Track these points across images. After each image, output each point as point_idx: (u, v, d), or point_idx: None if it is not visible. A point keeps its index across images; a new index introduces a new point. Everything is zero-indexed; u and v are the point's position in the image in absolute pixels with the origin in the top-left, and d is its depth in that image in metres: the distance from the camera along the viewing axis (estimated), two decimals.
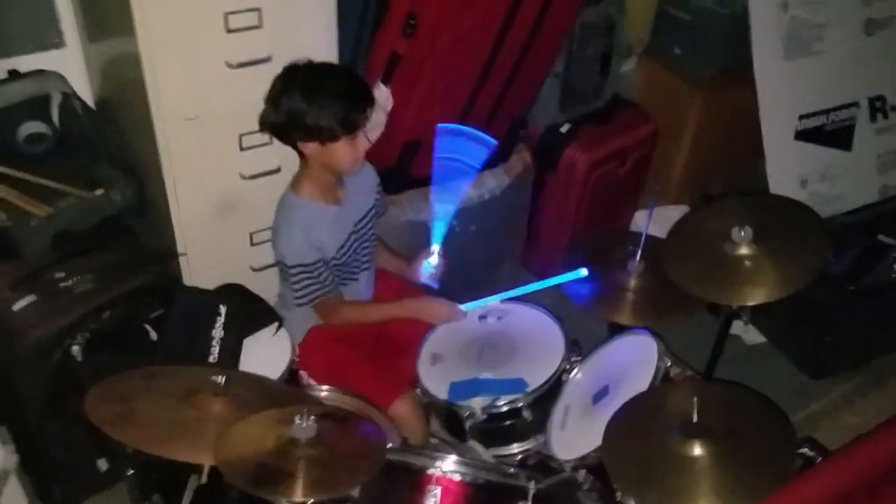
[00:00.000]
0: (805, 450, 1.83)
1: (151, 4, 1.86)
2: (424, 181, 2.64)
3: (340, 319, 2.14)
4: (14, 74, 2.26)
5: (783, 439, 1.69)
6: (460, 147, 2.22)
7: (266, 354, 2.08)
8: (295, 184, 2.06)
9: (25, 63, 2.29)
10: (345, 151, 1.94)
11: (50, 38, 2.32)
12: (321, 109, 1.87)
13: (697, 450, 1.61)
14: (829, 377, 2.88)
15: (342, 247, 2.08)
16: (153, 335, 2.07)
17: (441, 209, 2.22)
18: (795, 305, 2.67)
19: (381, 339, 2.24)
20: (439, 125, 2.18)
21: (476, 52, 2.37)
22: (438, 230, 2.20)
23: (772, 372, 2.88)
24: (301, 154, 2.00)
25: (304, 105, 1.87)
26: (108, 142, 2.25)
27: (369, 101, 1.96)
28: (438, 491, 1.64)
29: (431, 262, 2.20)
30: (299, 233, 2.00)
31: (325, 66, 2.00)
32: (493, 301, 2.16)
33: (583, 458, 1.89)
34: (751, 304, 1.93)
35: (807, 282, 1.88)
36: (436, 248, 2.20)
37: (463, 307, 2.15)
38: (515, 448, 2.00)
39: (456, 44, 2.27)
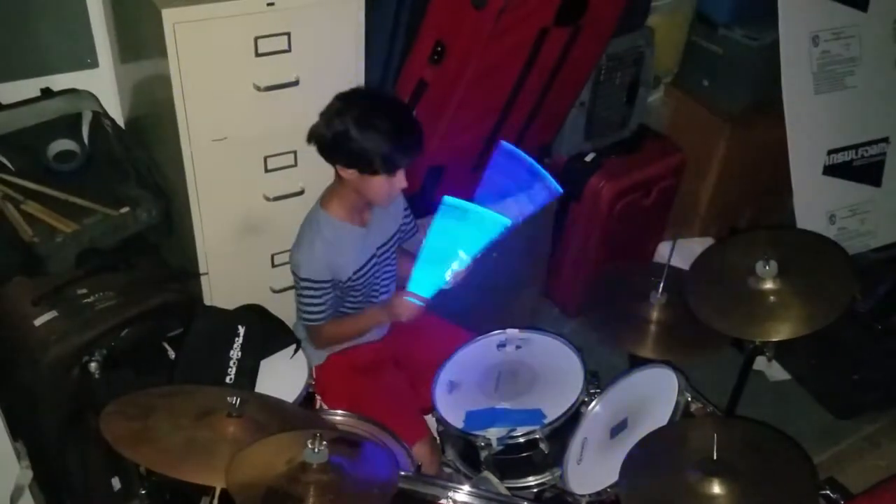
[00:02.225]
0: (827, 491, 1.79)
1: (183, 28, 1.89)
2: None
3: (326, 339, 2.14)
4: (47, 92, 2.30)
5: (804, 480, 1.65)
6: (515, 173, 2.13)
7: (283, 377, 2.07)
8: (325, 200, 2.06)
9: (59, 82, 2.33)
10: (380, 186, 1.95)
11: (84, 58, 2.36)
12: (368, 143, 1.87)
13: (716, 488, 1.58)
14: (855, 417, 2.82)
15: (360, 269, 2.08)
16: (171, 354, 2.08)
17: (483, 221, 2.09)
18: (822, 343, 2.64)
19: (400, 368, 2.23)
20: (503, 143, 2.11)
21: (503, 80, 2.37)
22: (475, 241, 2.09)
23: (796, 410, 2.83)
24: (338, 173, 2.00)
25: (353, 133, 1.87)
26: (136, 161, 2.28)
27: (417, 147, 1.94)
28: None
29: (455, 266, 2.09)
30: (322, 247, 1.99)
31: (387, 102, 2.00)
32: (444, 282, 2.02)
33: (599, 493, 1.86)
34: (774, 340, 1.89)
35: (832, 319, 1.85)
36: (463, 254, 2.12)
37: (419, 294, 2.02)
38: (531, 481, 1.98)
39: (483, 72, 2.28)
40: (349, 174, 1.94)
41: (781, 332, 1.87)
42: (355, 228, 2.06)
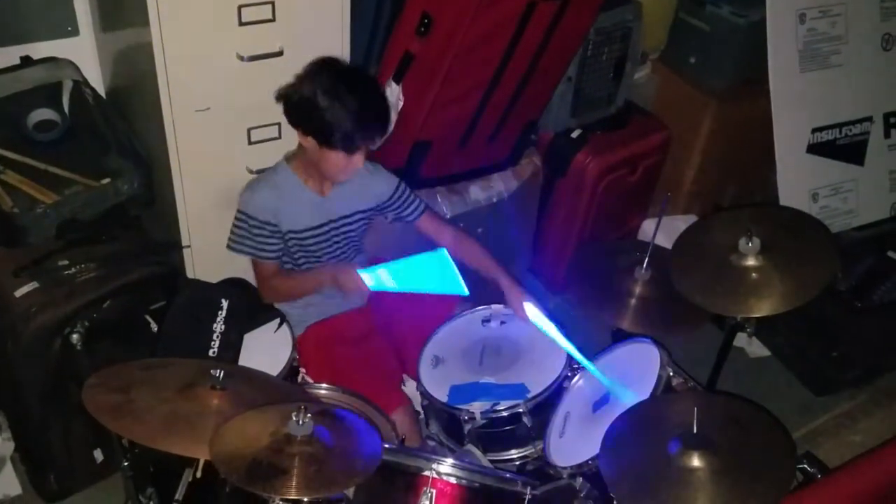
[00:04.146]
0: (804, 466, 1.82)
1: None
2: (433, 182, 2.64)
3: (273, 290, 2.10)
4: (27, 61, 2.27)
5: (783, 454, 1.67)
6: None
7: (267, 350, 2.07)
8: (290, 157, 2.06)
9: (38, 50, 2.29)
10: (336, 162, 1.92)
11: (64, 26, 2.32)
12: (331, 116, 1.84)
13: (696, 461, 1.60)
14: (833, 393, 2.86)
15: (311, 230, 2.07)
16: (154, 326, 2.07)
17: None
18: (802, 320, 2.67)
19: (385, 336, 2.22)
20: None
21: (490, 54, 2.35)
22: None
23: (775, 386, 2.86)
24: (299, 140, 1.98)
25: (319, 101, 1.85)
26: (118, 131, 2.25)
27: (380, 130, 1.93)
28: (433, 493, 1.63)
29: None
30: (266, 190, 1.99)
31: (361, 79, 1.95)
32: (382, 267, 1.96)
33: (580, 465, 1.87)
34: (755, 316, 1.91)
35: (813, 296, 1.86)
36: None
37: (360, 272, 1.99)
38: (514, 454, 1.99)
39: (470, 45, 2.26)
40: (308, 142, 1.92)
41: (762, 308, 1.88)
42: (309, 192, 2.05)
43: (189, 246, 2.22)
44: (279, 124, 2.15)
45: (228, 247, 2.05)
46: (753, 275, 1.91)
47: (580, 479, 1.85)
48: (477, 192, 2.68)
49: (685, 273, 2.00)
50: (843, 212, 3.06)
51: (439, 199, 2.62)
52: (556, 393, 1.96)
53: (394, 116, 2.39)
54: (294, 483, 1.43)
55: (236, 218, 2.02)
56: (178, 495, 1.74)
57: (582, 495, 1.82)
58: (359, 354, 2.13)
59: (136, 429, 1.59)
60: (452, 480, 1.67)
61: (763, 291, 1.89)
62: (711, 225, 2.14)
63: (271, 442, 1.49)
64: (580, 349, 2.07)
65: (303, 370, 2.13)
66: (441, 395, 2.00)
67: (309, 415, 1.50)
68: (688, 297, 1.94)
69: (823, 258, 1.97)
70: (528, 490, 1.68)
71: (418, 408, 2.13)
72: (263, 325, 2.13)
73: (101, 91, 2.41)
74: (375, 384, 2.06)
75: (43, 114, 2.22)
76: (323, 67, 1.91)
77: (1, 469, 2.24)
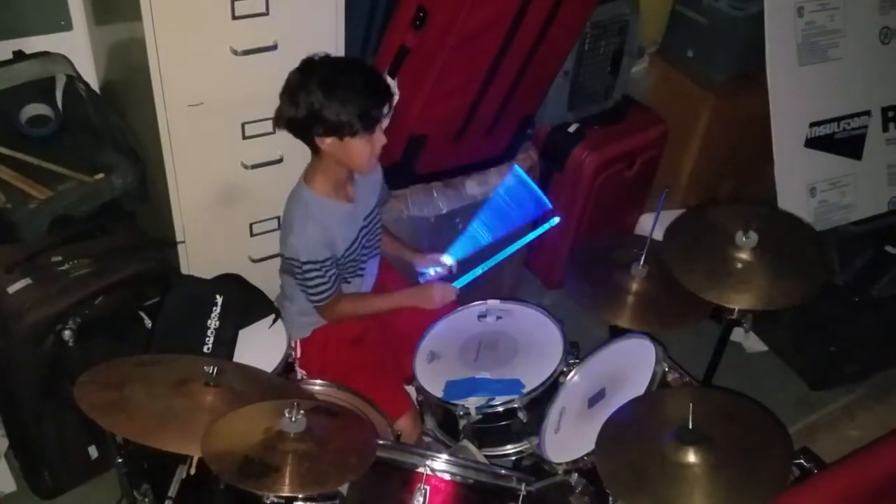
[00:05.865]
0: (801, 461, 1.81)
1: None
2: (429, 177, 2.63)
3: (339, 316, 2.09)
4: (19, 55, 2.25)
5: (779, 450, 1.66)
6: (517, 193, 2.20)
7: (262, 346, 2.06)
8: (308, 179, 2.01)
9: (31, 44, 2.27)
10: (362, 148, 1.91)
11: (57, 21, 2.30)
12: (341, 104, 1.83)
13: (692, 457, 1.59)
14: (831, 388, 2.85)
15: (353, 243, 2.06)
16: (148, 323, 2.06)
17: (476, 231, 2.20)
18: (799, 314, 2.66)
19: (386, 341, 2.22)
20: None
21: (486, 47, 2.34)
22: (462, 247, 2.21)
23: (772, 381, 2.86)
24: (316, 150, 1.95)
25: (323, 100, 1.83)
26: (112, 126, 2.24)
27: (389, 96, 1.92)
28: (427, 490, 1.62)
29: (439, 269, 2.21)
30: (316, 228, 1.95)
31: (343, 61, 1.98)
32: (480, 272, 2.13)
33: (576, 461, 1.87)
34: (754, 309, 1.91)
35: (806, 299, 1.87)
36: (449, 261, 2.21)
37: (455, 284, 2.12)
38: (509, 449, 1.99)
39: (466, 38, 2.25)
40: (328, 144, 1.90)
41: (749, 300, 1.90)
42: (343, 205, 2.03)
43: (183, 242, 2.21)
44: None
45: (318, 302, 2.02)
46: (750, 268, 1.90)
47: (575, 475, 1.84)
48: (473, 187, 2.67)
49: (682, 258, 1.99)
50: (841, 206, 3.05)
51: (435, 194, 2.61)
52: (551, 388, 1.95)
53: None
54: (287, 480, 1.42)
55: (308, 271, 1.96)
56: (171, 492, 1.73)
57: (577, 491, 1.82)
58: (363, 358, 2.13)
59: (129, 426, 1.59)
60: (447, 477, 1.67)
61: (753, 285, 1.90)
62: (712, 213, 2.13)
63: (264, 439, 1.48)
64: (578, 345, 2.07)
65: (304, 372, 2.13)
66: (436, 390, 2.00)
67: (302, 411, 1.49)
68: (679, 278, 1.94)
69: (812, 264, 1.98)
70: (523, 486, 1.68)
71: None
72: (258, 322, 2.12)
73: (95, 86, 2.39)
74: (381, 389, 2.05)
75: (36, 109, 2.21)
76: (306, 71, 1.88)
77: None
